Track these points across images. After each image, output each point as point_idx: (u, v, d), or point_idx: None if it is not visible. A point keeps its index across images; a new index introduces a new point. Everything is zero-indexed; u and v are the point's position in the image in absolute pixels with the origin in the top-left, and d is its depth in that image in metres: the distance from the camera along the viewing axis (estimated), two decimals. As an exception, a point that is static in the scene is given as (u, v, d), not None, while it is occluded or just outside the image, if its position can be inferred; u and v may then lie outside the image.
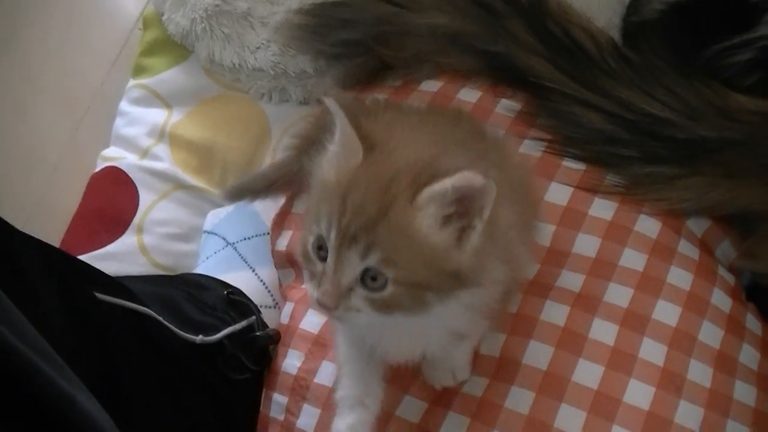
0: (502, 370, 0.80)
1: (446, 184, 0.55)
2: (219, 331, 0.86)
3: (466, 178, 0.54)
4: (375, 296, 0.57)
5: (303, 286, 0.93)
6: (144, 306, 0.78)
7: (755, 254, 0.87)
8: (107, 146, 1.27)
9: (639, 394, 0.77)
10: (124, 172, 1.19)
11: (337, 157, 0.59)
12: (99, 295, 0.73)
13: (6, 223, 0.61)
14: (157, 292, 0.87)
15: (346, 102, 0.58)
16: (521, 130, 0.92)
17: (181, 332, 0.81)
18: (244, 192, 1.00)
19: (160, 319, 0.79)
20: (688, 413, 0.76)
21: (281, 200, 1.00)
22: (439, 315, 0.61)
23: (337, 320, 0.62)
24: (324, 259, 0.58)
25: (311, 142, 0.90)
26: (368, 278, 0.56)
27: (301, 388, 0.86)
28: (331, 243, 0.56)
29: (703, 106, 0.82)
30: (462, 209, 0.56)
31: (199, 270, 1.03)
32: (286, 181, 0.96)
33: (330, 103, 0.58)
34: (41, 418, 0.34)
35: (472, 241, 0.57)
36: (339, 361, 0.75)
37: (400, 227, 0.55)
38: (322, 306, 0.58)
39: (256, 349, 0.89)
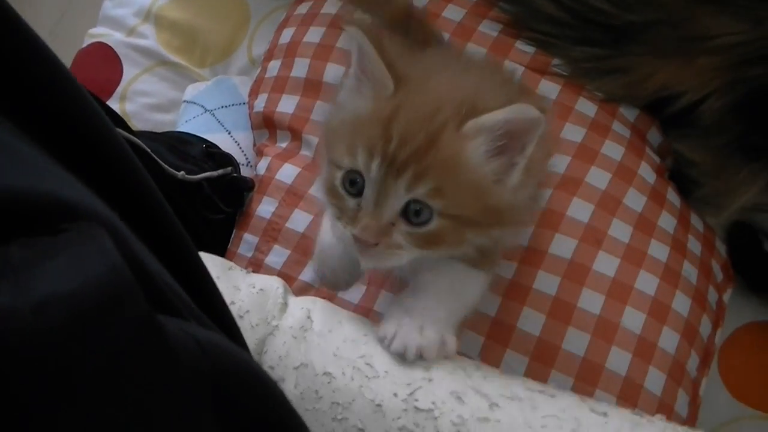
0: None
1: (498, 115, 0.53)
2: (198, 174, 0.94)
3: (520, 110, 0.52)
4: (419, 231, 0.55)
5: (278, 145, 1.02)
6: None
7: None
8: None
9: (563, 246, 0.87)
10: (110, 47, 1.25)
11: (363, 88, 0.57)
12: None
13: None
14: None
15: (369, 29, 0.55)
16: (482, 11, 1.01)
17: (167, 166, 0.88)
18: None
19: (149, 150, 0.86)
20: (605, 263, 0.86)
21: (257, 69, 1.09)
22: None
23: (375, 261, 0.57)
24: (358, 194, 0.55)
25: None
26: (411, 212, 0.54)
27: (273, 231, 0.94)
28: (373, 174, 0.53)
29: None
30: (506, 145, 0.55)
31: (179, 131, 1.11)
32: None
33: (355, 32, 0.55)
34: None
35: (513, 178, 0.56)
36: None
37: (450, 156, 0.53)
38: (360, 242, 0.55)
39: (232, 192, 0.97)
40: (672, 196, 0.96)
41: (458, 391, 0.53)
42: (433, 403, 0.52)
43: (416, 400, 0.52)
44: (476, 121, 0.53)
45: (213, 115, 1.11)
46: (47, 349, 0.27)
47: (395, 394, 0.53)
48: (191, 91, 1.17)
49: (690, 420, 0.86)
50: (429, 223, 0.54)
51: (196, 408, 0.33)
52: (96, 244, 0.31)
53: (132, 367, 0.30)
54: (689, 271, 0.91)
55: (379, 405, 0.52)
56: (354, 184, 0.55)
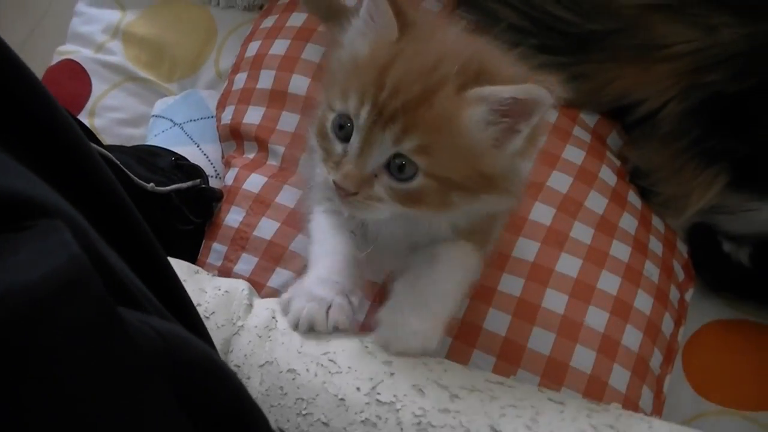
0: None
1: (505, 92, 0.51)
2: (167, 186, 0.95)
3: (531, 91, 0.50)
4: (401, 187, 0.53)
5: (245, 156, 1.03)
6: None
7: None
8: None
9: (526, 249, 0.89)
10: (79, 64, 1.26)
11: (369, 31, 0.55)
12: None
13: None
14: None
15: None
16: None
17: (136, 178, 0.89)
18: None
19: (119, 163, 0.86)
20: (568, 264, 0.88)
21: (225, 83, 1.10)
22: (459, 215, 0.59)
23: (353, 210, 0.56)
24: (345, 140, 0.54)
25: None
26: (395, 166, 0.52)
27: (241, 240, 0.95)
28: (361, 121, 0.52)
29: (592, 7, 0.95)
30: (510, 113, 0.52)
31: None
32: None
33: None
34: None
35: (514, 145, 0.54)
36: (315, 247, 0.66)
37: (443, 116, 0.51)
38: (340, 189, 0.54)
39: (200, 203, 0.98)
40: (633, 197, 0.98)
41: (420, 384, 0.54)
42: (395, 396, 0.53)
43: (378, 394, 0.54)
44: (481, 91, 0.51)
45: (182, 128, 1.12)
46: (8, 335, 0.28)
47: (358, 389, 0.54)
48: (160, 105, 1.18)
49: (655, 415, 0.87)
50: (412, 180, 0.53)
51: (156, 392, 0.34)
52: (57, 237, 0.32)
53: (90, 350, 0.31)
54: (651, 270, 0.93)
55: (342, 399, 0.54)
56: (342, 128, 0.54)
